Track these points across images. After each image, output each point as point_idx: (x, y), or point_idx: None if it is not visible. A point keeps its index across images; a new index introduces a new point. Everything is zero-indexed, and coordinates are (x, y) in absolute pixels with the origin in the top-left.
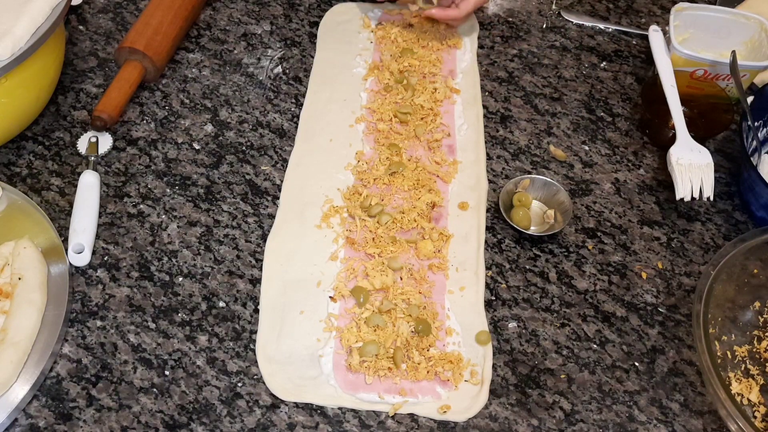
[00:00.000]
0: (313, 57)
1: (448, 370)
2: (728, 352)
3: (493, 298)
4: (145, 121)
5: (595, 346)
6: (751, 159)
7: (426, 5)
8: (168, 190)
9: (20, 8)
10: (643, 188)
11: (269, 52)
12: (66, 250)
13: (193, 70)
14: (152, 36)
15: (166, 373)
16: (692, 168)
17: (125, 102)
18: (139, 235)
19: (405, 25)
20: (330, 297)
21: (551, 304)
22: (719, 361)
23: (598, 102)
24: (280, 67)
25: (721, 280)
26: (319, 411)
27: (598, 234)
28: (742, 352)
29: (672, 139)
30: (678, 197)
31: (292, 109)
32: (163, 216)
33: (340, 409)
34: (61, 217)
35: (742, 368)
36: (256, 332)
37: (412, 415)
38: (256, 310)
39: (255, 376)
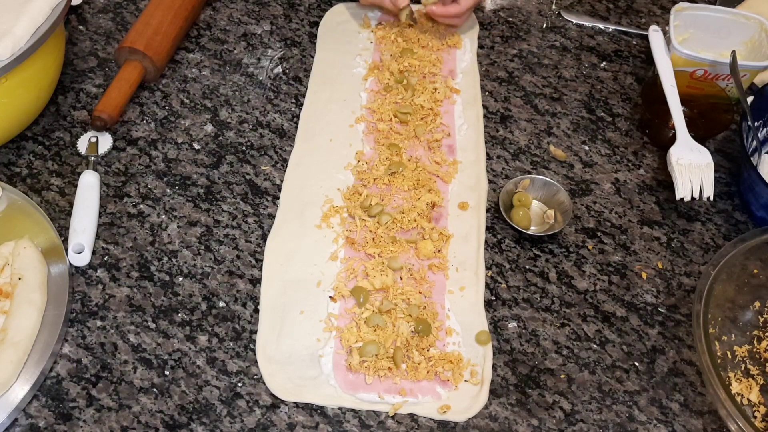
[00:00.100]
0: (313, 57)
1: (448, 370)
2: (728, 352)
3: (493, 298)
4: (145, 121)
5: (595, 346)
6: (751, 159)
7: (410, 18)
8: (168, 190)
9: (20, 8)
10: (643, 188)
11: (269, 52)
12: (66, 250)
13: (193, 70)
14: (152, 36)
15: (166, 373)
16: (692, 168)
17: (125, 102)
18: (139, 235)
19: (405, 25)
20: (330, 297)
21: (551, 304)
22: (719, 361)
23: (598, 102)
24: (280, 67)
25: (721, 280)
26: (319, 411)
27: (598, 234)
28: (742, 352)
29: (672, 139)
30: (678, 197)
31: (292, 109)
32: (163, 216)
33: (340, 409)
34: (61, 217)
35: (742, 368)
36: (256, 332)
37: (412, 415)
38: (256, 310)
39: (255, 376)
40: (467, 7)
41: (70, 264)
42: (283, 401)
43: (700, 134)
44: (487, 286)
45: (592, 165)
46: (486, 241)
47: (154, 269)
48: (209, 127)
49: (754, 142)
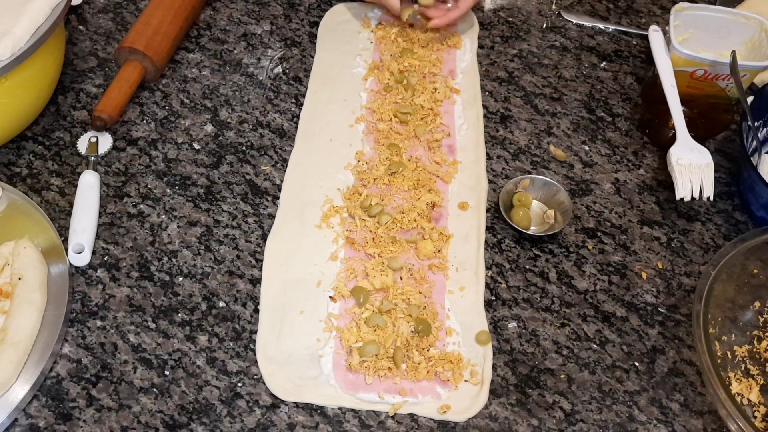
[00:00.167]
0: (313, 57)
1: (448, 370)
2: (728, 352)
3: (493, 298)
4: (145, 121)
5: (595, 346)
6: (751, 159)
7: (413, 18)
8: (168, 190)
9: (20, 8)
10: (643, 188)
11: (269, 52)
12: (66, 250)
13: (193, 70)
14: (152, 36)
15: (166, 373)
16: (692, 168)
17: (125, 102)
18: (139, 235)
19: (405, 25)
20: (330, 297)
21: (551, 304)
22: (719, 361)
23: (598, 102)
24: (280, 67)
25: (721, 280)
26: (319, 411)
27: (598, 234)
28: (742, 352)
29: (672, 139)
30: (678, 197)
31: (292, 109)
32: (163, 216)
33: (340, 409)
34: (61, 217)
35: (742, 368)
36: (256, 332)
37: (412, 415)
38: (256, 310)
39: (255, 376)
40: (467, 8)
41: (70, 264)
42: (283, 401)
43: (700, 134)
44: (487, 286)
45: (592, 165)
46: (486, 241)
47: (154, 269)
48: (209, 127)
49: (754, 142)
